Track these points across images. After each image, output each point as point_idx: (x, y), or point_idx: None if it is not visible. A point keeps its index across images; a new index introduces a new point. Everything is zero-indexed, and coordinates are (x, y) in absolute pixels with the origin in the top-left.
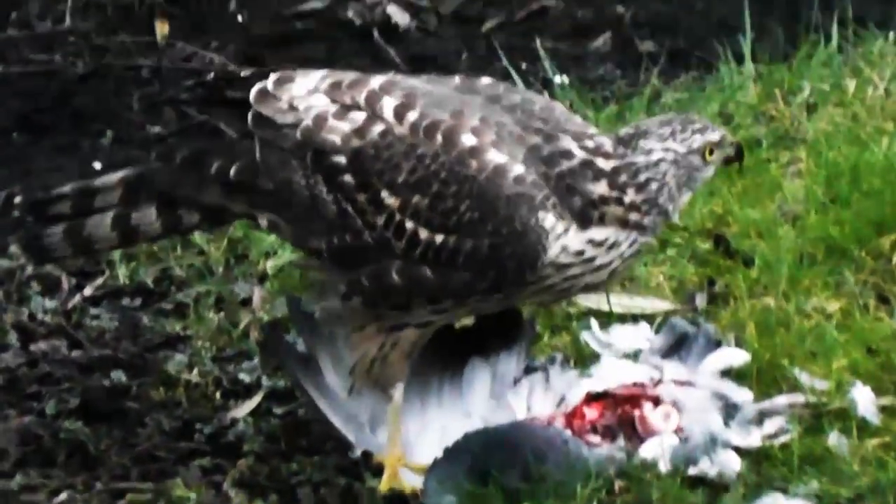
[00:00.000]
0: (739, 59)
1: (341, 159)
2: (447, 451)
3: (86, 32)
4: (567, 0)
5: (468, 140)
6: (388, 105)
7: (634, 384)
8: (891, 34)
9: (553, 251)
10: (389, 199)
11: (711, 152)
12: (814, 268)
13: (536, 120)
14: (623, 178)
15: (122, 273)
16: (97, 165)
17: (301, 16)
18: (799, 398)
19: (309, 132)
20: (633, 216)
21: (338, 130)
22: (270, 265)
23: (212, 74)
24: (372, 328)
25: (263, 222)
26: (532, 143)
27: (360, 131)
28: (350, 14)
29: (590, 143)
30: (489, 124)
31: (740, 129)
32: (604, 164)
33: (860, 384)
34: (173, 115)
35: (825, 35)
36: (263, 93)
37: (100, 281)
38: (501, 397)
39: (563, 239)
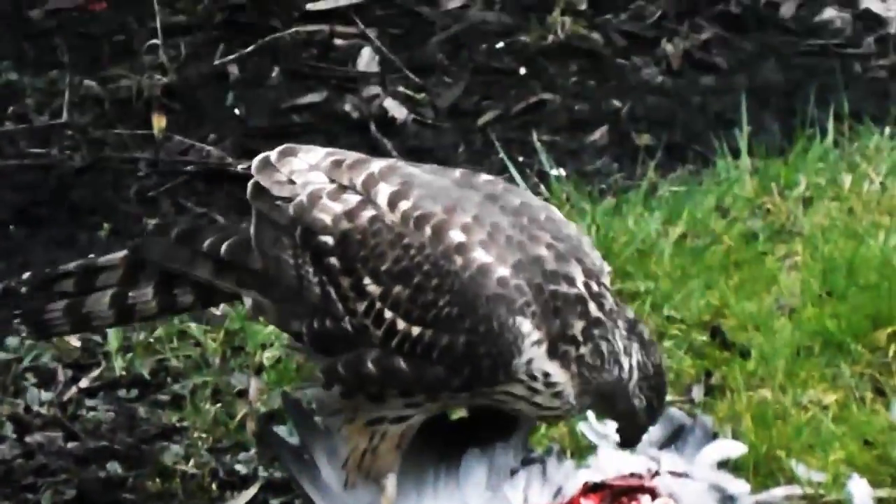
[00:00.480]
0: (736, 154)
1: (329, 240)
2: None
3: (83, 126)
4: (564, 94)
5: (456, 236)
6: (384, 191)
7: (632, 475)
8: (886, 129)
9: (526, 356)
10: (371, 287)
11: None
12: (810, 360)
13: (544, 231)
14: (596, 334)
15: (118, 365)
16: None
17: (298, 109)
18: (796, 490)
19: (301, 209)
20: (582, 378)
21: (329, 210)
22: (267, 357)
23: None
24: (360, 420)
25: (248, 302)
26: (536, 254)
27: (350, 214)
28: (347, 107)
29: (594, 287)
30: (481, 223)
31: (736, 223)
32: (594, 311)
33: (857, 476)
34: (171, 207)
35: (821, 130)
36: (265, 162)
37: (96, 373)
38: (498, 489)
39: (536, 349)
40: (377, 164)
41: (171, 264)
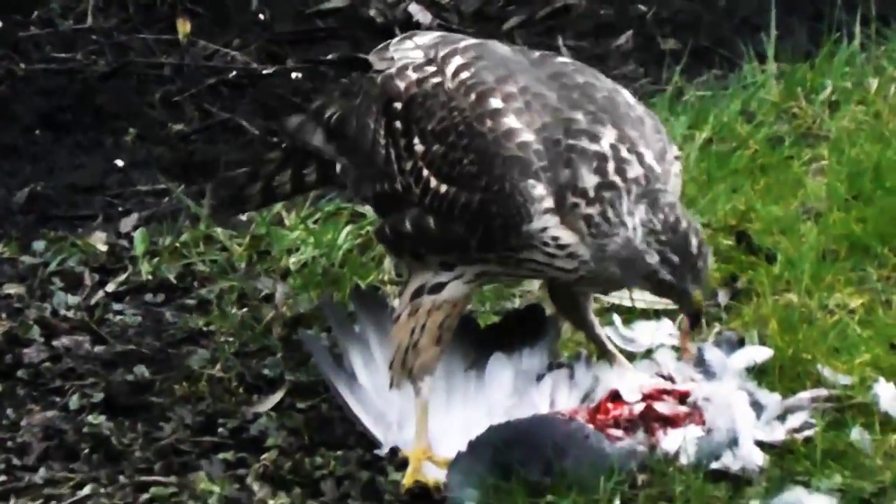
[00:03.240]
0: (762, 58)
1: (398, 105)
2: (470, 445)
3: (108, 31)
4: None
5: (495, 102)
6: (454, 63)
7: (661, 377)
8: None
9: (538, 221)
10: (417, 146)
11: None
12: (836, 264)
13: (592, 104)
14: (607, 197)
15: (145, 269)
16: (119, 163)
17: (323, 14)
18: (822, 393)
19: (386, 79)
20: (591, 238)
21: (406, 79)
22: (293, 261)
23: (234, 73)
24: (406, 294)
25: (338, 168)
26: (568, 117)
27: (420, 82)
28: (372, 12)
29: (623, 152)
30: (525, 93)
31: (762, 127)
32: (611, 173)
33: (883, 380)
34: (195, 112)
35: (848, 33)
36: (384, 45)
37: (122, 277)
38: (525, 393)
39: (549, 216)
40: (466, 42)
41: (300, 136)
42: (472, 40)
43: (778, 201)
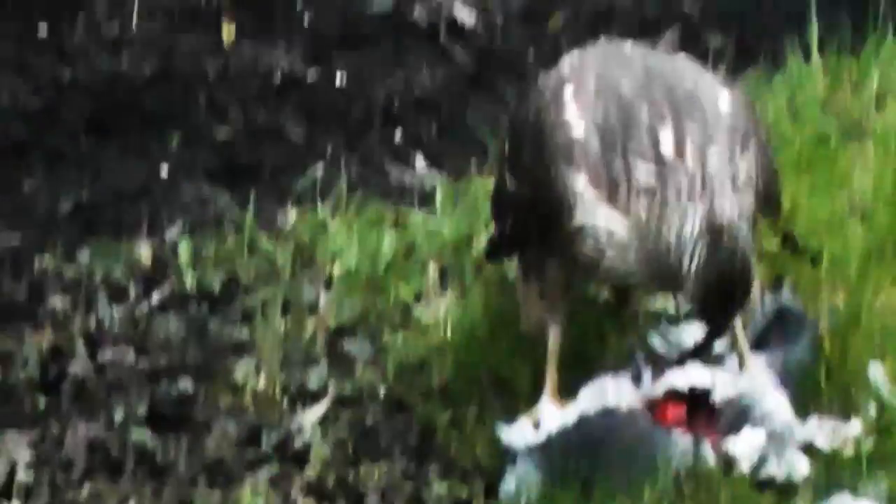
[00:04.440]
0: (807, 53)
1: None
2: (527, 449)
3: (152, 35)
4: None
5: (567, 94)
6: (569, 60)
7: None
8: None
9: (580, 212)
10: (507, 144)
11: None
12: (883, 263)
13: (667, 97)
14: (655, 196)
15: (189, 279)
16: (164, 167)
17: (367, 17)
18: (853, 428)
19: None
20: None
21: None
22: (337, 269)
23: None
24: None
25: None
26: (632, 112)
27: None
28: (416, 15)
29: (688, 153)
30: (602, 85)
31: (808, 123)
32: (668, 170)
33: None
34: (240, 116)
35: (894, 26)
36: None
37: (166, 287)
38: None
39: (592, 206)
40: (599, 43)
41: None
42: (611, 42)
43: (824, 199)
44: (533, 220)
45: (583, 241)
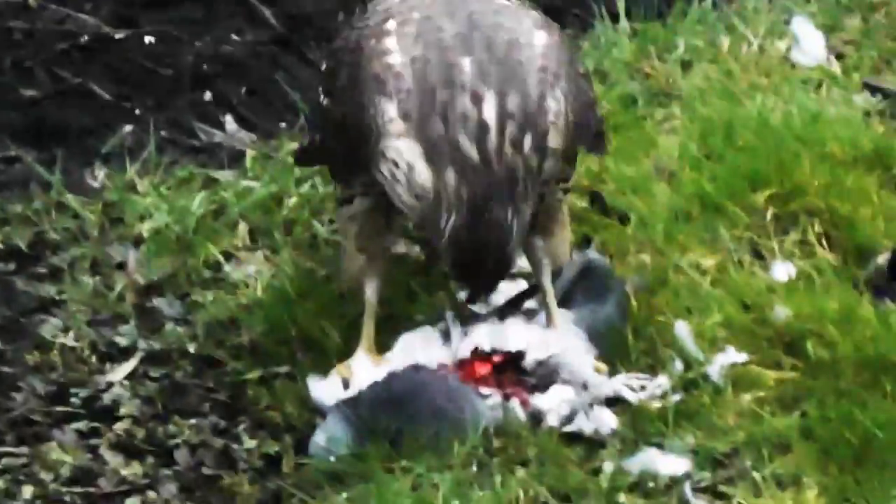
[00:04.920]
0: (615, 17)
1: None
2: (338, 405)
3: None
4: None
5: (390, 25)
6: None
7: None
8: None
9: (387, 139)
10: (322, 65)
11: None
12: (689, 224)
13: (487, 49)
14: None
15: None
16: None
17: None
18: (660, 381)
19: None
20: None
21: None
22: (146, 228)
23: (86, 37)
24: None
25: None
26: (453, 62)
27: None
28: None
29: (509, 129)
30: (425, 21)
31: (616, 87)
32: (488, 150)
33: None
34: (47, 78)
35: None
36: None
37: None
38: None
39: (401, 139)
40: None
41: None
42: None
43: (630, 161)
44: (343, 138)
45: (383, 164)
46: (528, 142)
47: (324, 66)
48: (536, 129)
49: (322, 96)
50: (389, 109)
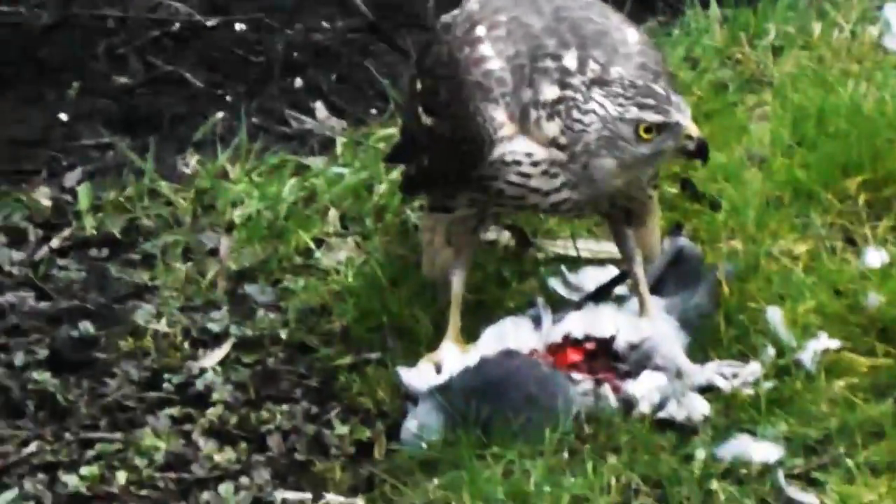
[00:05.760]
0: (705, 3)
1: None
2: (429, 392)
3: None
4: None
5: (480, 31)
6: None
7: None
8: None
9: (501, 145)
10: (418, 83)
11: (649, 131)
12: (781, 211)
13: (571, 31)
14: (563, 105)
15: (89, 224)
16: (63, 117)
17: None
18: (753, 368)
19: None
20: (553, 142)
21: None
22: (238, 215)
23: (178, 25)
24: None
25: None
26: (539, 44)
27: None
28: None
29: (589, 68)
30: (512, 22)
31: (706, 73)
32: (571, 80)
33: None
34: (139, 65)
35: None
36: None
37: (67, 232)
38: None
39: (511, 139)
40: None
41: None
42: None
43: (722, 148)
44: (454, 156)
45: (507, 171)
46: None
47: (419, 86)
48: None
49: (423, 117)
50: (497, 115)
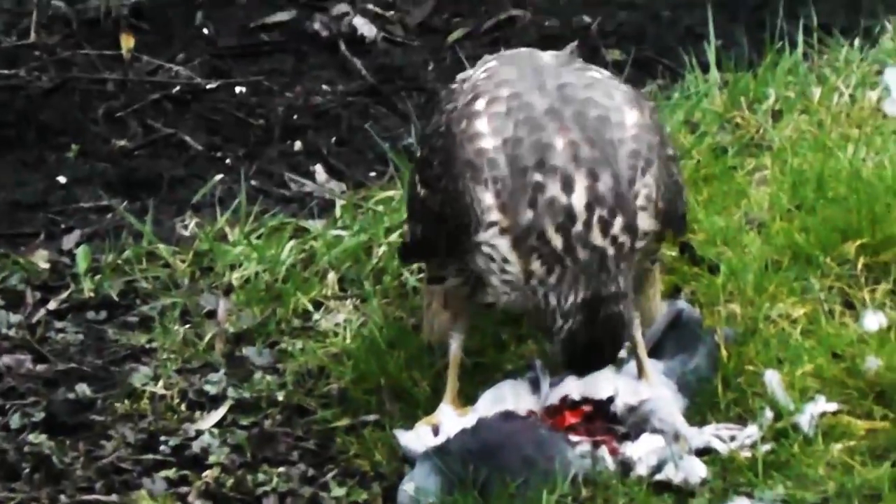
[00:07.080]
0: (705, 68)
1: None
2: (426, 454)
3: (51, 46)
4: (534, 10)
5: (479, 105)
6: (481, 67)
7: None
8: (856, 41)
9: (485, 229)
10: (418, 153)
11: None
12: (779, 274)
13: (584, 129)
14: (559, 269)
15: (87, 286)
16: (62, 180)
17: (267, 28)
18: (751, 431)
19: None
20: (528, 273)
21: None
22: (236, 277)
23: (177, 87)
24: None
25: None
26: (547, 142)
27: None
28: (316, 26)
29: (597, 214)
30: (514, 98)
31: (706, 137)
32: (572, 240)
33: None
34: (139, 128)
35: (790, 42)
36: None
37: (64, 294)
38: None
39: (495, 228)
40: (509, 52)
41: None
42: (526, 50)
43: (721, 212)
44: (442, 229)
45: (479, 255)
46: (618, 224)
47: (418, 155)
48: (626, 212)
49: (418, 187)
50: (486, 198)
